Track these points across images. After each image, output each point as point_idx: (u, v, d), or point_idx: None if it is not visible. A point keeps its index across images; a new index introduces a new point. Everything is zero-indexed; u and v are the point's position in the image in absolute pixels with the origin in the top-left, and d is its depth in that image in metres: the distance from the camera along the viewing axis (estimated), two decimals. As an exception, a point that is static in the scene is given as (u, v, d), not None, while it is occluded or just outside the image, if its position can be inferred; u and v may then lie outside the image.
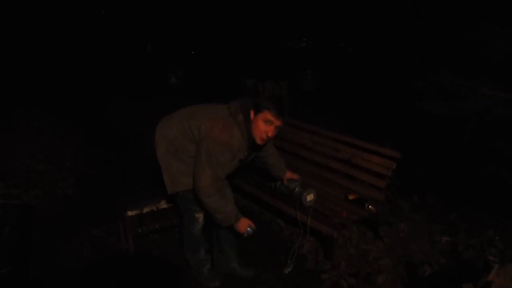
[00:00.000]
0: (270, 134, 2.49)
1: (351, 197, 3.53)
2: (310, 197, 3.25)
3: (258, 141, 2.54)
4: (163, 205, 3.32)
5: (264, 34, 9.97)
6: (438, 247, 3.60)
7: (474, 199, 4.26)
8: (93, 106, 7.47)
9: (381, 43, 8.55)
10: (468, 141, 3.91)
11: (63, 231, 3.62)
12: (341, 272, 3.25)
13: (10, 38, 9.50)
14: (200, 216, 2.80)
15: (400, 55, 6.44)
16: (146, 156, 5.39)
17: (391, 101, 6.29)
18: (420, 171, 4.72)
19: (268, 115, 2.43)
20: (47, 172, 4.69)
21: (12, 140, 5.42)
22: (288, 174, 3.36)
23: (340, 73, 9.12)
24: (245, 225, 2.67)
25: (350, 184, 3.75)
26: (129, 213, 3.15)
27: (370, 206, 3.35)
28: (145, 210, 3.23)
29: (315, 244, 3.59)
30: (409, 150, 3.63)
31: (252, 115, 2.51)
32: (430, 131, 4.94)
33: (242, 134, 2.52)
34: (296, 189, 3.28)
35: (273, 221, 4.01)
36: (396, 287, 3.08)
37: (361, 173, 3.70)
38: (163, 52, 9.81)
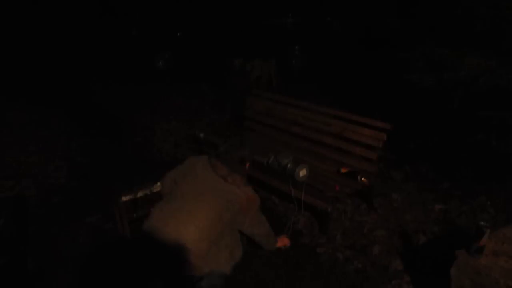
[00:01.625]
0: None
1: (343, 170, 3.55)
2: (302, 173, 3.27)
3: None
4: (157, 188, 3.31)
5: (249, 12, 9.86)
6: (432, 215, 3.65)
7: (465, 167, 4.31)
8: (81, 93, 7.40)
9: (367, 15, 8.49)
10: (456, 111, 3.94)
11: (59, 221, 3.62)
12: (337, 245, 3.29)
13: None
14: None
15: (386, 27, 6.40)
16: (139, 141, 5.40)
17: (380, 74, 6.28)
18: (412, 141, 4.76)
19: None
20: (39, 163, 4.67)
21: (1, 132, 5.37)
22: None
23: (328, 48, 9.07)
24: None
25: (342, 158, 3.77)
26: (123, 198, 3.15)
27: (363, 179, 3.38)
28: (139, 194, 3.23)
29: (310, 218, 3.62)
30: (399, 122, 3.64)
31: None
32: (419, 102, 4.95)
33: None
34: (288, 165, 3.29)
35: (267, 198, 4.03)
36: (392, 257, 3.12)
37: (352, 146, 3.71)
38: (149, 35, 9.70)
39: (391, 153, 4.46)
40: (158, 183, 3.30)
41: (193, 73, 8.50)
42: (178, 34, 9.72)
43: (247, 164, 2.48)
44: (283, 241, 3.15)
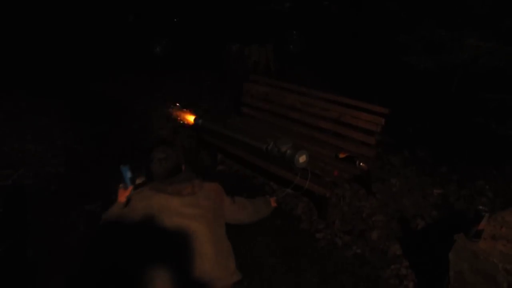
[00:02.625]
0: None
1: (341, 155, 3.54)
2: (302, 159, 3.25)
3: None
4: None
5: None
6: (430, 200, 3.65)
7: (464, 151, 4.31)
8: (78, 81, 7.34)
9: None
10: (455, 93, 3.91)
11: (58, 209, 3.62)
12: (336, 230, 3.30)
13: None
14: None
15: (383, 9, 6.34)
16: (136, 128, 5.38)
17: (378, 57, 6.24)
18: (410, 126, 4.74)
19: None
20: (37, 151, 4.66)
21: (-1, 121, 5.35)
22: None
23: (326, 32, 9.00)
24: None
25: (340, 143, 3.76)
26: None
27: (361, 164, 3.37)
28: (137, 181, 3.22)
29: (308, 204, 3.63)
30: (398, 106, 3.62)
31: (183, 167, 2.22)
32: (417, 85, 4.93)
33: None
34: (288, 151, 3.27)
35: (266, 184, 4.04)
36: (390, 242, 3.14)
37: (350, 131, 3.70)
38: (145, 21, 9.60)
39: (389, 138, 4.46)
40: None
41: (191, 59, 8.46)
42: (175, 19, 9.63)
43: None
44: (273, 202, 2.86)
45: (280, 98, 4.28)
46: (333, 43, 8.52)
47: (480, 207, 2.22)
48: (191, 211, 2.00)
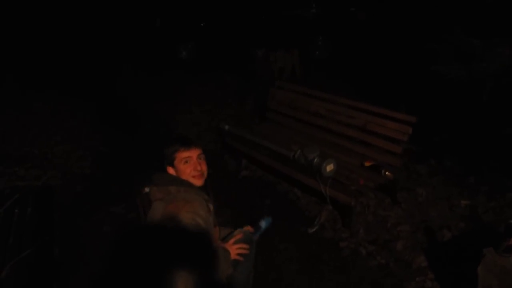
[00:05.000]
0: (199, 168, 2.15)
1: (367, 163, 3.50)
2: (330, 168, 3.23)
3: (197, 182, 2.15)
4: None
5: (272, 2, 9.78)
6: (457, 211, 3.56)
7: (493, 162, 4.19)
8: (106, 84, 7.48)
9: (392, 5, 8.32)
10: (486, 103, 3.82)
11: (84, 210, 3.69)
12: (360, 240, 3.26)
13: (20, 20, 9.48)
14: None
15: (413, 17, 6.25)
16: (162, 132, 5.43)
17: (405, 65, 6.16)
18: (437, 135, 4.65)
19: (181, 154, 2.13)
20: (64, 152, 4.76)
21: (28, 122, 5.48)
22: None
23: (352, 39, 8.94)
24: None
25: (366, 151, 3.72)
26: (146, 189, 3.16)
27: (387, 172, 3.33)
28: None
29: (333, 212, 3.59)
30: (425, 114, 3.56)
31: (172, 171, 2.17)
32: (446, 94, 4.83)
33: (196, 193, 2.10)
34: (315, 159, 3.26)
35: (289, 191, 4.02)
36: (415, 253, 3.07)
37: (376, 139, 3.66)
38: (172, 26, 9.71)
39: (416, 146, 4.38)
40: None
41: (216, 63, 8.50)
42: (202, 24, 9.72)
43: None
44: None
45: (305, 104, 4.26)
46: (359, 50, 8.45)
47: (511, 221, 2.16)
48: None
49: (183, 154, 2.13)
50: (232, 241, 2.31)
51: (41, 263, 2.64)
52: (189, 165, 2.12)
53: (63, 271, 2.95)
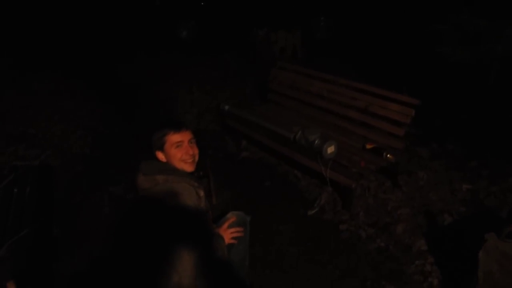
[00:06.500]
0: (191, 152, 2.04)
1: (368, 146, 3.47)
2: (330, 149, 3.21)
3: (188, 168, 2.04)
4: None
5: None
6: (459, 195, 3.54)
7: (495, 146, 4.15)
8: (105, 64, 7.38)
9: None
10: (491, 86, 3.76)
11: (83, 190, 3.68)
12: (360, 222, 3.24)
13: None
14: None
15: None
16: (161, 112, 5.39)
17: (409, 46, 6.08)
18: (440, 118, 4.61)
19: (172, 138, 2.01)
20: (64, 132, 4.71)
21: (27, 102, 5.42)
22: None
23: (355, 19, 8.82)
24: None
25: (367, 133, 3.69)
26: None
27: (388, 155, 3.29)
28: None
29: (333, 194, 3.57)
30: (427, 97, 3.52)
31: (162, 156, 2.05)
32: (449, 77, 4.77)
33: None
34: (316, 141, 3.23)
35: (290, 173, 4.00)
36: (415, 236, 3.06)
37: (378, 122, 3.63)
38: (172, 5, 9.57)
39: (417, 129, 4.35)
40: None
41: (217, 43, 8.41)
42: (202, 3, 9.59)
43: None
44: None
45: (306, 85, 4.21)
46: (362, 31, 8.35)
47: (514, 206, 2.14)
48: None
49: (174, 138, 2.01)
50: (226, 225, 2.28)
51: (40, 243, 2.63)
52: (180, 150, 2.01)
53: (61, 251, 2.95)
